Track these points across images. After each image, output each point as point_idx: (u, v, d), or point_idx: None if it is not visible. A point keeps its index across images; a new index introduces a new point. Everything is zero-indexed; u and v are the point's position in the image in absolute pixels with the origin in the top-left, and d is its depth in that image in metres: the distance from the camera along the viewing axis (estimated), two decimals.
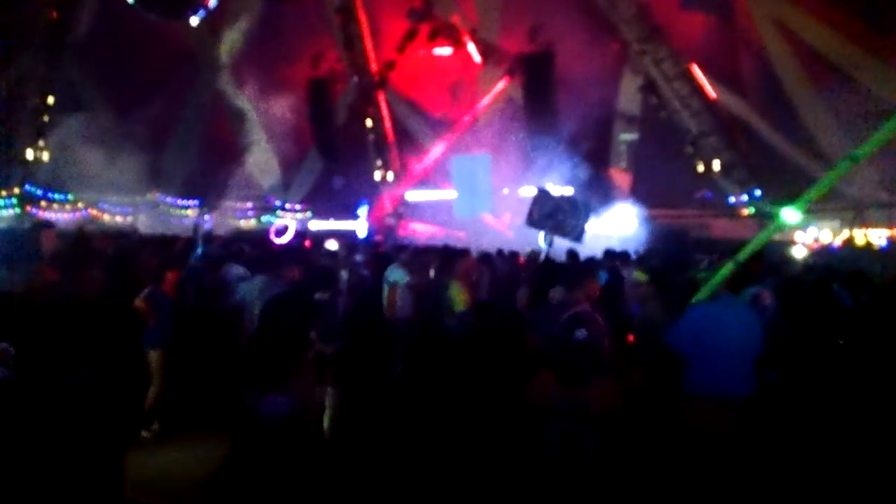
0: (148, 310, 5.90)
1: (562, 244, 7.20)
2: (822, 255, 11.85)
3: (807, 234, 14.51)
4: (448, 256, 7.99)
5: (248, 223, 23.47)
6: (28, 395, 2.63)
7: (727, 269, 4.25)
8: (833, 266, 8.84)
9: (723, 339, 4.07)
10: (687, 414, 4.08)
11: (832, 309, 5.64)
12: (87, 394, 2.91)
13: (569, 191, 6.95)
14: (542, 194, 6.52)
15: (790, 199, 4.54)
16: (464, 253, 8.11)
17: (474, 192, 18.57)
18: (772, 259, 7.82)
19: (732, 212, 18.17)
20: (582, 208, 6.66)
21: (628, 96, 19.99)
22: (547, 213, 6.43)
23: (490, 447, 4.47)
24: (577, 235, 6.63)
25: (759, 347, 4.18)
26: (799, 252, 10.81)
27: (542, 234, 6.80)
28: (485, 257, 9.01)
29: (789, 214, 4.43)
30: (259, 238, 14.12)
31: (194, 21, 20.68)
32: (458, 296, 6.64)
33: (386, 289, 7.26)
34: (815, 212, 14.87)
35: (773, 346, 4.52)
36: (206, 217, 21.82)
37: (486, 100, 21.99)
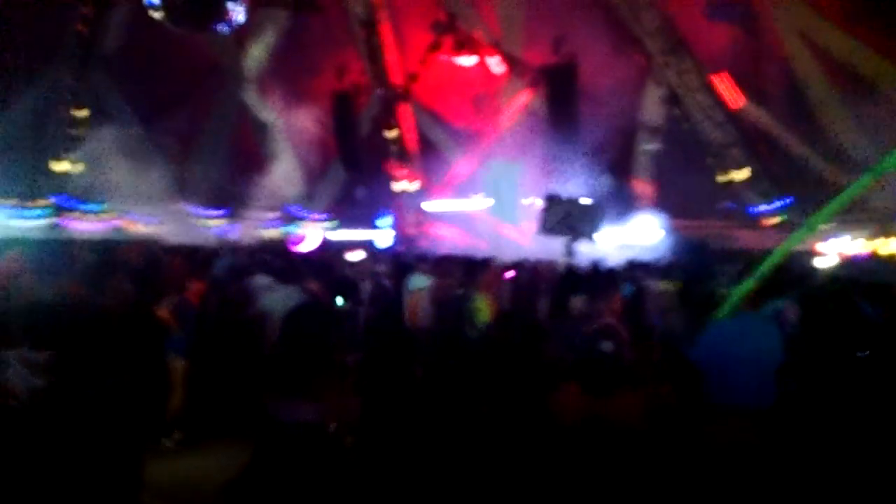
0: (172, 319, 6.02)
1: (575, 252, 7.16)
2: (847, 266, 11.68)
3: (831, 245, 14.33)
4: (472, 266, 8.00)
5: (272, 233, 23.71)
6: (57, 402, 2.70)
7: (748, 283, 4.24)
8: (858, 277, 8.72)
9: (744, 354, 4.09)
10: (709, 426, 4.08)
11: (855, 321, 5.57)
12: (110, 402, 2.98)
13: (579, 195, 6.86)
14: (552, 201, 6.49)
15: (815, 209, 4.52)
16: (487, 263, 8.11)
17: (503, 199, 18.64)
18: (795, 270, 7.75)
19: (755, 222, 18.01)
20: (592, 209, 6.63)
21: (651, 107, 19.95)
22: (559, 218, 6.39)
23: (511, 458, 4.48)
24: (591, 236, 6.58)
25: (780, 360, 4.17)
26: (823, 263, 10.68)
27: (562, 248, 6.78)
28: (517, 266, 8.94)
29: (810, 226, 4.42)
30: (282, 248, 14.28)
31: (221, 34, 21.02)
32: (482, 307, 6.66)
33: (407, 297, 7.30)
34: (840, 222, 14.68)
35: (793, 356, 4.50)
36: (232, 227, 22.17)
37: (509, 112, 22.04)
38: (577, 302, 5.54)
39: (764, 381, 4.08)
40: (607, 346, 4.19)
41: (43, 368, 2.68)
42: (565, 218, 6.54)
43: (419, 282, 7.30)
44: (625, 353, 4.34)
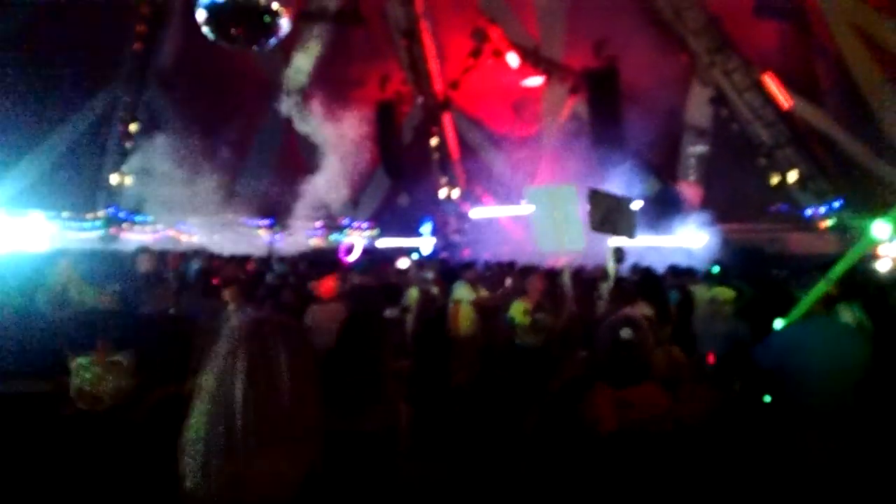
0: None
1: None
2: None
3: (892, 248, 13.80)
4: (519, 273, 7.95)
5: (318, 241, 24.04)
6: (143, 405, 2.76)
7: (820, 288, 4.12)
8: None
9: (816, 359, 3.97)
10: (791, 431, 3.98)
11: None
12: (160, 412, 3.02)
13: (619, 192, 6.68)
14: (595, 196, 6.30)
15: (873, 210, 4.34)
16: (532, 270, 8.04)
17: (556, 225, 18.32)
18: (857, 275, 7.49)
19: (810, 225, 17.47)
20: (631, 207, 6.46)
21: (698, 108, 19.58)
22: (602, 216, 6.22)
23: (547, 467, 4.43)
24: (632, 233, 6.41)
25: (864, 366, 4.03)
26: (884, 266, 10.29)
27: (609, 253, 6.62)
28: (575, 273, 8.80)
29: (880, 228, 4.22)
30: (328, 256, 14.45)
31: (268, 49, 21.44)
32: (519, 313, 6.60)
33: (451, 306, 7.29)
34: None
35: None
36: (278, 236, 22.54)
37: (551, 117, 21.91)
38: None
39: (840, 390, 3.96)
40: (626, 332, 4.10)
41: (127, 371, 2.72)
42: (608, 214, 6.34)
43: (462, 293, 7.26)
44: (645, 344, 4.20)
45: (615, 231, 6.25)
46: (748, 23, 18.25)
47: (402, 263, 10.32)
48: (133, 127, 21.95)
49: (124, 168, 21.91)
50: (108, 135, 21.95)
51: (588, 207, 6.28)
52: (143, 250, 6.55)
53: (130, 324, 2.89)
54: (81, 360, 2.60)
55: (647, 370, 4.09)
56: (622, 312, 4.31)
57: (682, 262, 10.71)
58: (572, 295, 6.84)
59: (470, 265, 9.53)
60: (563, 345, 6.24)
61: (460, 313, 7.18)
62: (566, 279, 6.84)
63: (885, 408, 4.61)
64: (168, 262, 10.24)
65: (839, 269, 4.13)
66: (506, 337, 6.79)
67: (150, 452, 2.59)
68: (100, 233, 21.33)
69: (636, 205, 6.89)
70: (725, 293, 7.16)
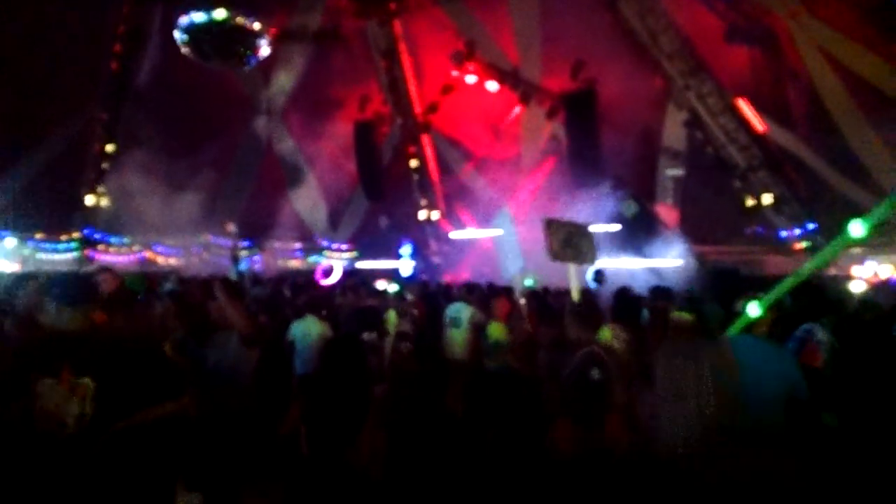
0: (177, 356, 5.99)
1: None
2: (882, 290, 11.42)
3: (865, 269, 14.05)
4: (488, 295, 7.89)
5: (296, 263, 23.90)
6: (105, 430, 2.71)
7: (762, 306, 4.14)
8: (893, 302, 8.51)
9: (746, 378, 4.00)
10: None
11: (891, 347, 5.42)
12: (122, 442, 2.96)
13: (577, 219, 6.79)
14: (551, 224, 6.35)
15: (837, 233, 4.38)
16: (502, 292, 7.98)
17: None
18: (830, 295, 7.57)
19: (785, 247, 17.72)
20: (591, 232, 6.53)
21: (673, 131, 19.86)
22: (562, 242, 6.26)
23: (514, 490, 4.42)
24: (593, 259, 6.47)
25: (792, 389, 4.05)
26: (857, 287, 10.44)
27: (590, 272, 6.66)
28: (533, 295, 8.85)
29: (855, 228, 4.20)
30: (306, 278, 14.35)
31: (247, 68, 21.46)
32: (496, 334, 6.59)
33: (451, 329, 7.20)
34: (874, 246, 14.41)
35: (830, 387, 4.37)
36: (256, 257, 22.36)
37: (530, 139, 22.09)
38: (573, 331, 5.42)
39: (769, 407, 3.96)
40: (595, 373, 4.08)
41: (90, 396, 2.71)
42: (566, 242, 6.37)
43: (466, 315, 7.19)
44: (612, 381, 4.22)
45: (575, 258, 6.32)
46: (721, 48, 18.62)
47: (381, 285, 10.26)
48: (110, 147, 21.74)
49: (100, 189, 21.67)
50: (84, 155, 21.71)
51: (547, 236, 6.32)
52: (104, 269, 6.42)
53: (97, 347, 2.84)
54: (47, 381, 2.59)
55: (610, 406, 4.11)
56: (590, 349, 4.30)
57: (657, 283, 10.76)
58: (526, 315, 6.88)
59: (474, 287, 9.41)
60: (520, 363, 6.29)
61: (456, 337, 7.13)
62: (520, 299, 6.91)
63: (850, 425, 4.64)
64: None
65: (782, 289, 4.15)
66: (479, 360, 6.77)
67: (107, 481, 2.52)
68: (74, 254, 21.01)
69: (601, 228, 6.98)
70: (683, 316, 7.17)
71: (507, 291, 7.89)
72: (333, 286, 11.83)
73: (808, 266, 4.46)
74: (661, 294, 8.82)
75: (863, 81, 16.06)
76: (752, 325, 4.26)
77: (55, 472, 2.50)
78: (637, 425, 4.27)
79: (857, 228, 4.13)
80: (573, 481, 4.05)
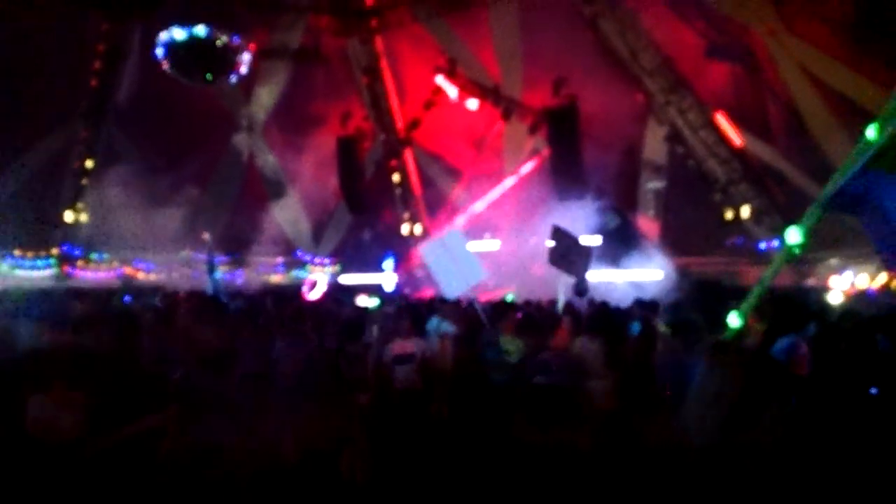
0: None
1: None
2: (860, 300, 11.57)
3: (843, 280, 14.22)
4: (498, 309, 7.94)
5: (278, 278, 23.76)
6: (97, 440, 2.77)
7: (739, 316, 4.16)
8: (875, 314, 8.60)
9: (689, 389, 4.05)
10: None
11: (872, 356, 5.46)
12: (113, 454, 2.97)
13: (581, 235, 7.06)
14: (557, 233, 6.53)
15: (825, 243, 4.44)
16: (510, 306, 8.05)
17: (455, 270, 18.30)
18: (811, 306, 7.65)
19: (764, 258, 17.90)
20: (587, 251, 6.69)
21: (654, 146, 20.06)
22: (562, 252, 6.44)
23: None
24: (581, 274, 6.63)
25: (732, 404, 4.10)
26: (835, 298, 10.57)
27: (560, 286, 6.78)
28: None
29: (791, 234, 4.25)
30: (289, 293, 14.28)
31: (227, 84, 21.43)
32: (511, 348, 6.62)
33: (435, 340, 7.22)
34: (852, 256, 14.60)
35: (810, 398, 4.39)
36: (238, 272, 22.21)
37: (512, 154, 22.20)
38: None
39: (712, 419, 4.00)
40: (540, 379, 4.32)
41: (82, 408, 2.83)
42: (566, 253, 6.58)
43: (445, 326, 7.22)
44: (564, 387, 4.36)
45: (569, 270, 6.45)
46: (701, 64, 18.90)
47: (362, 301, 10.23)
48: (89, 163, 21.55)
49: (79, 204, 21.46)
50: (63, 171, 21.50)
51: (552, 242, 6.47)
52: (74, 296, 6.36)
53: (86, 362, 2.90)
54: (39, 396, 2.70)
55: (572, 411, 4.18)
56: (542, 355, 4.47)
57: (639, 295, 10.80)
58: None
59: (445, 300, 9.41)
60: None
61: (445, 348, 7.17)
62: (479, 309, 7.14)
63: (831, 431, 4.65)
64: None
65: (753, 297, 4.18)
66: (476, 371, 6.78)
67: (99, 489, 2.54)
68: (52, 271, 20.73)
69: (593, 242, 7.15)
70: (661, 328, 7.23)
71: (513, 306, 8.02)
72: (318, 300, 11.78)
73: (766, 275, 4.45)
74: (646, 307, 8.87)
75: (839, 95, 16.36)
76: (742, 335, 4.27)
77: (50, 481, 2.57)
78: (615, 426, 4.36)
79: (793, 235, 4.22)
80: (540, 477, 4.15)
